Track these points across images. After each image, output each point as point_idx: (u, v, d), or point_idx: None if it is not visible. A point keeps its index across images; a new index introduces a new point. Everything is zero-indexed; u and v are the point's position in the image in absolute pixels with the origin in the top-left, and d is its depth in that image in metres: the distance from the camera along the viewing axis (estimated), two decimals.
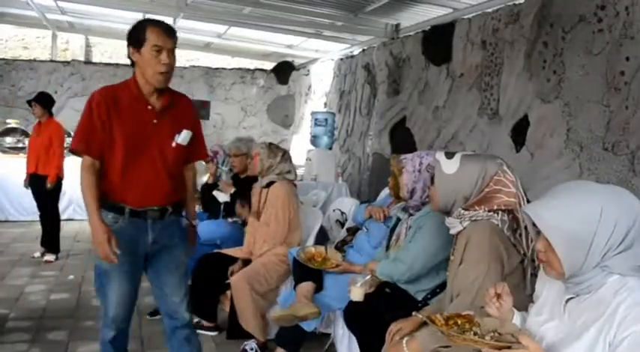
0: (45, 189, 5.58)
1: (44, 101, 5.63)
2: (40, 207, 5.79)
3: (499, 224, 2.13)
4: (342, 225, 4.63)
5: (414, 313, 2.44)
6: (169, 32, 2.49)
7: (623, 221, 1.45)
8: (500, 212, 2.15)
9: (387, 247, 3.02)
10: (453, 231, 2.25)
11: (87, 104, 2.46)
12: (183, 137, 2.54)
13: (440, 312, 2.31)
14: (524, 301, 1.84)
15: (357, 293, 2.76)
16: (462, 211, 2.19)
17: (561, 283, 1.58)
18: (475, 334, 1.52)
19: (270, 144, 4.03)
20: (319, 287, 3.30)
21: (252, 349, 3.51)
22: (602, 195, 1.49)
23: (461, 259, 2.16)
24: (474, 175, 2.19)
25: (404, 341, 2.23)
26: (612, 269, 1.46)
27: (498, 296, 1.69)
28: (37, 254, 5.71)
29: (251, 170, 4.27)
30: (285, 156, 3.93)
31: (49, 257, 5.63)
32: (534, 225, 1.55)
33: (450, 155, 2.27)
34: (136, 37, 2.52)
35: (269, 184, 3.84)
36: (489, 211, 2.15)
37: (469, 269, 2.10)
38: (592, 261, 1.47)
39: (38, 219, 5.85)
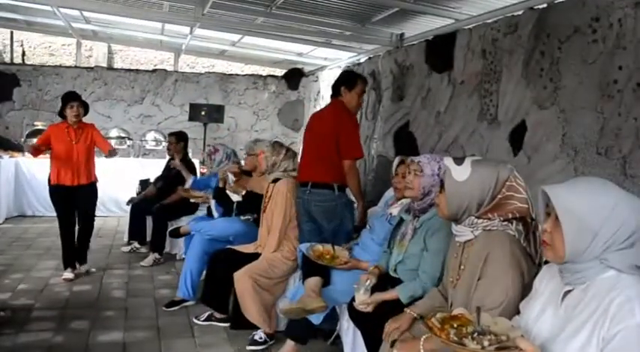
0: (93, 199, 4.95)
1: (86, 106, 4.93)
2: (86, 218, 4.96)
3: (515, 234, 1.98)
4: None
5: (406, 309, 2.43)
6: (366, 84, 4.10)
7: (631, 222, 1.44)
8: (514, 221, 2.00)
9: (389, 245, 3.00)
10: (460, 239, 2.09)
11: (354, 119, 3.95)
12: None
13: (432, 310, 2.28)
14: None
15: (361, 301, 2.73)
16: (475, 220, 2.03)
17: (559, 279, 1.57)
18: (473, 339, 1.49)
19: (275, 142, 4.04)
20: (326, 282, 3.29)
21: (260, 338, 3.52)
22: (619, 194, 1.49)
23: (480, 273, 1.97)
24: (486, 181, 2.02)
25: (421, 340, 2.06)
26: (610, 263, 1.45)
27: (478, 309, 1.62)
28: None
29: (258, 168, 4.24)
30: (289, 154, 3.93)
31: (85, 267, 5.03)
32: (546, 205, 1.53)
33: (459, 161, 2.08)
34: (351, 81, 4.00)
35: (275, 180, 3.87)
36: (504, 220, 1.99)
37: (493, 285, 1.93)
38: (593, 250, 1.45)
39: (59, 231, 4.93)
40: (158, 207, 5.51)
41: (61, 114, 4.80)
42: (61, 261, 5.05)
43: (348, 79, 4.02)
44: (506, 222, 1.99)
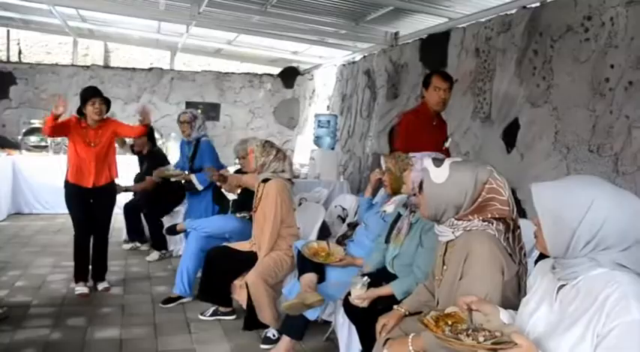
0: (112, 199, 4.47)
1: (108, 103, 4.30)
2: (101, 226, 4.44)
3: (495, 234, 1.95)
4: (343, 220, 4.63)
5: (394, 307, 2.43)
6: (445, 77, 3.79)
7: (615, 221, 1.40)
8: (494, 221, 1.97)
9: (387, 240, 3.00)
10: (442, 239, 2.08)
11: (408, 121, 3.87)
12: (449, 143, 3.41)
13: (419, 306, 2.29)
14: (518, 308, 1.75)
15: (358, 295, 2.73)
16: (455, 221, 2.01)
17: (552, 275, 1.57)
18: (468, 335, 1.49)
19: (266, 142, 3.89)
20: (321, 278, 3.30)
21: (273, 335, 3.52)
22: (603, 192, 1.45)
23: (461, 273, 1.96)
24: (464, 184, 1.98)
25: (409, 338, 2.05)
26: (601, 263, 1.44)
27: (470, 308, 1.62)
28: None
29: (246, 167, 4.17)
30: (279, 155, 3.79)
31: (103, 285, 4.52)
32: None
33: (438, 162, 2.05)
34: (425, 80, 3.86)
35: (265, 180, 3.81)
36: (484, 221, 1.97)
37: (474, 283, 1.90)
38: (576, 248, 1.44)
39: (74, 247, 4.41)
40: (148, 208, 5.55)
41: (80, 112, 4.20)
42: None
43: (424, 80, 3.98)
44: (486, 223, 1.97)
